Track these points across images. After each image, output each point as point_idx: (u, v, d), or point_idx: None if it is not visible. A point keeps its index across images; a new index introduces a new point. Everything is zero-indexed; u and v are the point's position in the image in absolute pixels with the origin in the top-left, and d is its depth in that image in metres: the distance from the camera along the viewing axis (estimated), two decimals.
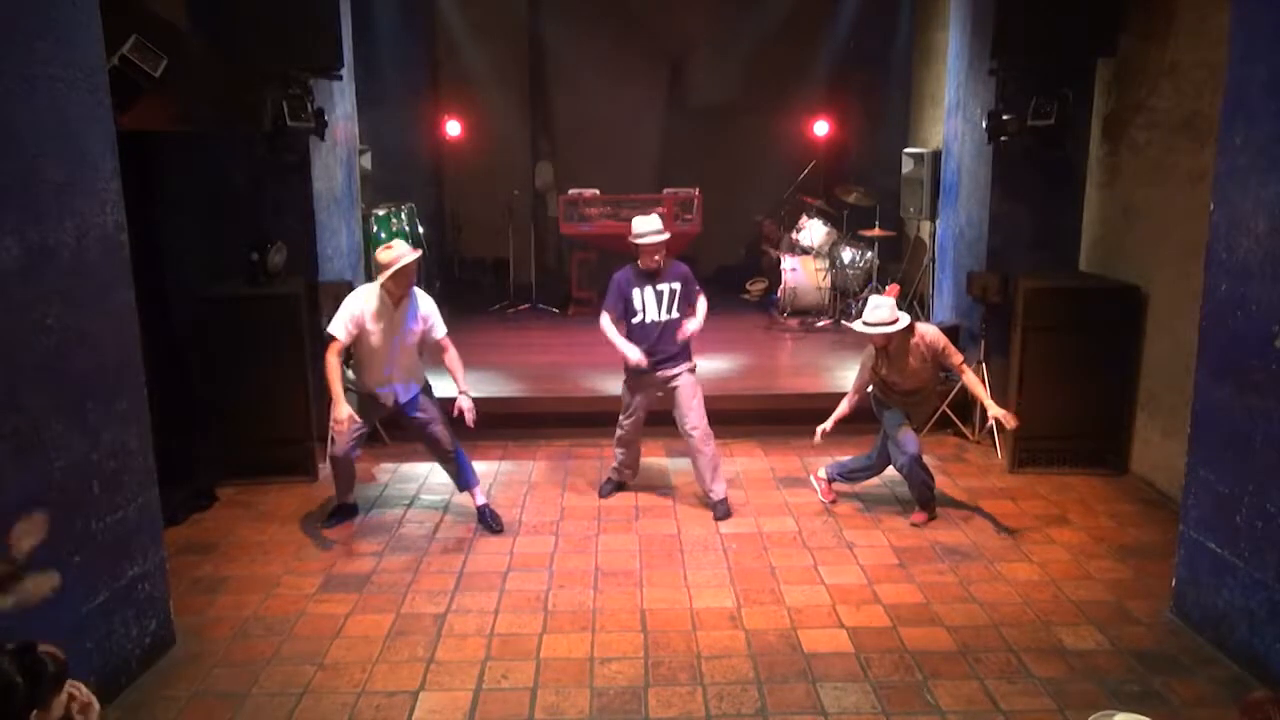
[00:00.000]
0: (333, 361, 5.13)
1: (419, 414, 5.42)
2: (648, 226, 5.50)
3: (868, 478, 5.87)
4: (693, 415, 5.56)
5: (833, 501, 5.83)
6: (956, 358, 5.38)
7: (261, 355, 6.07)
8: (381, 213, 9.26)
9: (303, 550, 5.25)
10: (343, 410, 5.09)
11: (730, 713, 3.78)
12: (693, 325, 5.56)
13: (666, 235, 5.52)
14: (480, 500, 5.58)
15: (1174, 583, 4.50)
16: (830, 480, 5.88)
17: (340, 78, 6.69)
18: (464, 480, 5.58)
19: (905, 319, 5.28)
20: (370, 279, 8.56)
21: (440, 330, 5.37)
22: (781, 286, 9.76)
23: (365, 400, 5.46)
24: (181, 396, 6.04)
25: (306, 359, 6.17)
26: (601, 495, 5.96)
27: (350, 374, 5.42)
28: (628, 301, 5.54)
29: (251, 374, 6.07)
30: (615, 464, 6.01)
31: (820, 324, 9.53)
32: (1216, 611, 4.19)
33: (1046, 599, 4.66)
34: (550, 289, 10.54)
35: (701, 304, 5.67)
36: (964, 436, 6.93)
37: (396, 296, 5.19)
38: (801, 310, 9.70)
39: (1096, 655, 4.16)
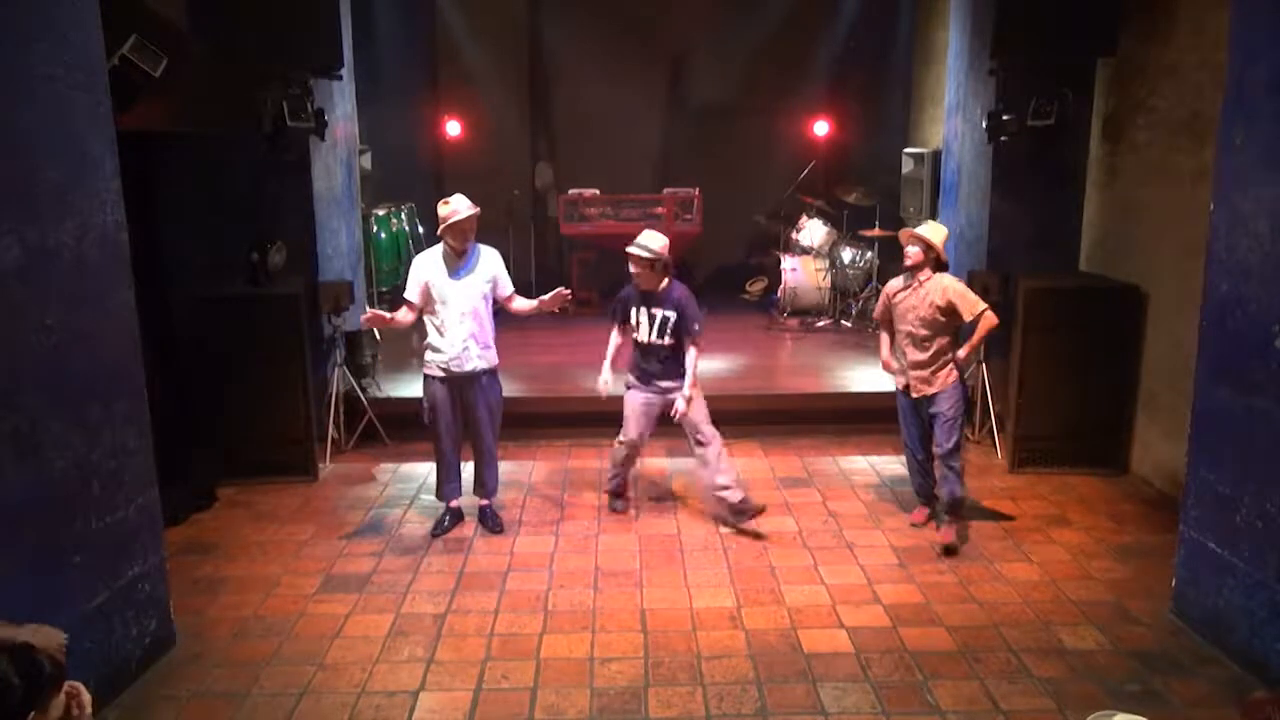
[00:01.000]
0: (398, 314, 5.22)
1: (481, 409, 5.32)
2: (639, 239, 5.30)
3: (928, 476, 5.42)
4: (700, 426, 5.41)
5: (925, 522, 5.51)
6: (972, 310, 5.00)
7: (261, 355, 6.08)
8: (381, 213, 9.27)
9: (303, 550, 5.25)
10: (368, 313, 5.09)
11: (730, 713, 3.78)
12: (686, 388, 5.27)
13: (648, 254, 5.23)
14: (484, 500, 5.58)
15: (1174, 583, 4.50)
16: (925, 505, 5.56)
17: (340, 78, 6.69)
18: (488, 486, 5.55)
19: (942, 264, 5.14)
20: (370, 279, 8.65)
21: (507, 287, 5.45)
22: (781, 286, 9.76)
23: (446, 384, 5.26)
24: (181, 396, 6.04)
25: (306, 359, 6.18)
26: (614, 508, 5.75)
27: (431, 354, 5.26)
28: (627, 315, 5.49)
29: (251, 374, 6.08)
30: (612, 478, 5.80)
31: (820, 324, 9.53)
32: (1216, 611, 4.19)
33: (1046, 599, 4.66)
34: (550, 289, 10.44)
35: (690, 355, 5.31)
36: (964, 436, 6.91)
37: (458, 251, 5.21)
38: (801, 310, 9.70)
39: (1096, 655, 4.16)
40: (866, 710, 3.78)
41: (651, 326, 5.35)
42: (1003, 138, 6.54)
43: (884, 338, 5.50)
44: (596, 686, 3.94)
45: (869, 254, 9.82)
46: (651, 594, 4.74)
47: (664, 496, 5.99)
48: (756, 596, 4.70)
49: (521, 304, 5.53)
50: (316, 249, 6.85)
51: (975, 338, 5.16)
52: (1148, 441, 6.15)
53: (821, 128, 10.83)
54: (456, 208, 5.16)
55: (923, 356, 5.16)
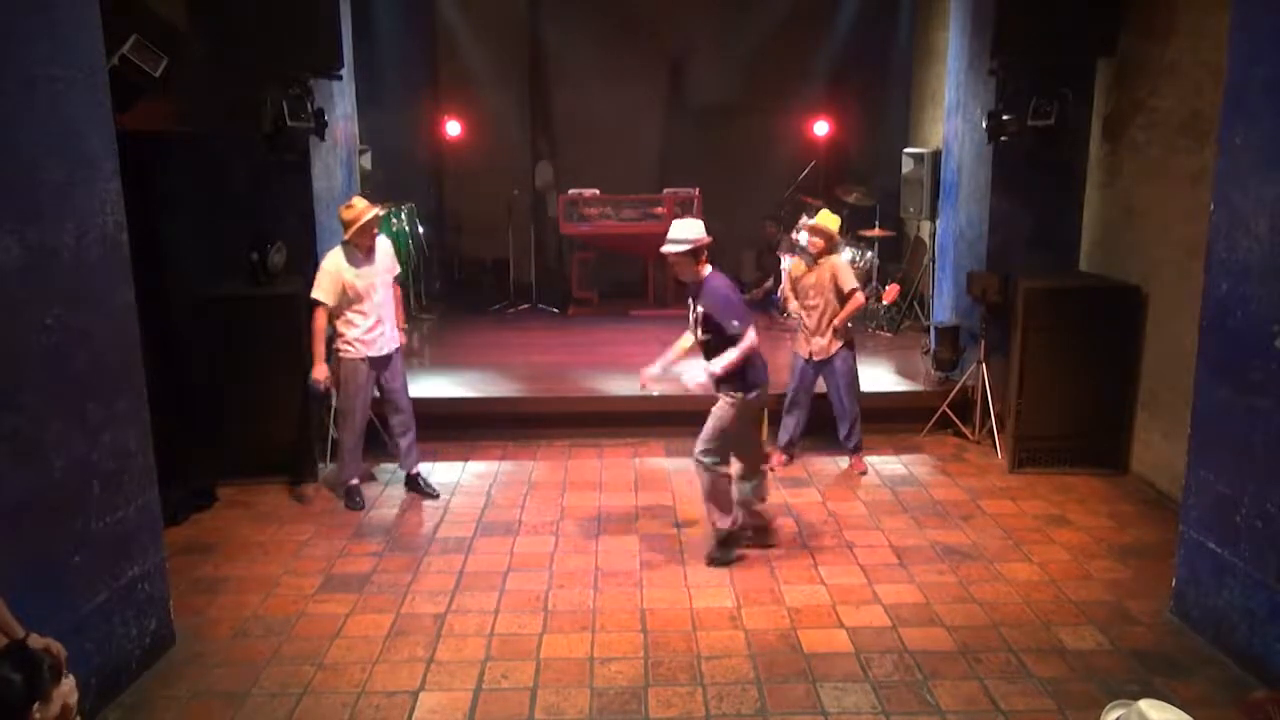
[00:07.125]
0: (320, 324, 5.54)
1: (394, 382, 5.80)
2: (669, 234, 4.84)
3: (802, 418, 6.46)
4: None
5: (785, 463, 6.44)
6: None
7: (261, 355, 6.08)
8: (381, 213, 9.25)
9: (303, 550, 5.25)
10: (321, 371, 5.54)
11: (730, 713, 3.78)
12: (712, 366, 4.72)
13: (676, 247, 4.76)
14: (414, 470, 6.01)
15: (1174, 583, 4.50)
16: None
17: (340, 78, 6.68)
18: (410, 460, 5.97)
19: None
20: None
21: (397, 269, 5.96)
22: (781, 286, 9.75)
23: (360, 365, 5.68)
24: (181, 397, 6.04)
25: (306, 359, 6.16)
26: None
27: (346, 344, 5.67)
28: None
29: (251, 374, 6.08)
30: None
31: None
32: (1216, 611, 4.19)
33: (1046, 599, 4.66)
34: (550, 289, 10.54)
35: (738, 346, 4.69)
36: (964, 436, 6.92)
37: (365, 248, 5.65)
38: None
39: (1096, 655, 4.17)
40: (866, 710, 3.79)
41: (694, 321, 4.93)
42: (1003, 138, 6.53)
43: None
44: (596, 686, 3.94)
45: (869, 254, 9.80)
46: (651, 594, 4.74)
47: (664, 494, 5.99)
48: (756, 596, 4.70)
49: (398, 298, 6.01)
50: (316, 249, 6.83)
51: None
52: (1148, 441, 6.14)
53: (821, 128, 10.82)
54: (361, 209, 5.63)
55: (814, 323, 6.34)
